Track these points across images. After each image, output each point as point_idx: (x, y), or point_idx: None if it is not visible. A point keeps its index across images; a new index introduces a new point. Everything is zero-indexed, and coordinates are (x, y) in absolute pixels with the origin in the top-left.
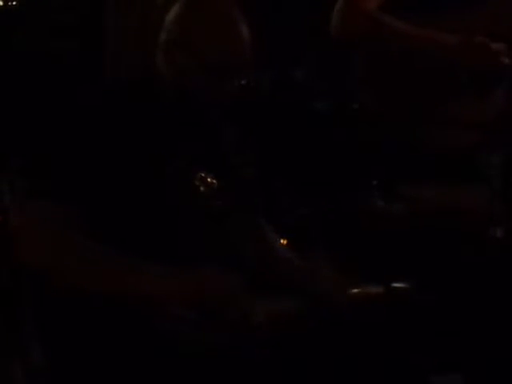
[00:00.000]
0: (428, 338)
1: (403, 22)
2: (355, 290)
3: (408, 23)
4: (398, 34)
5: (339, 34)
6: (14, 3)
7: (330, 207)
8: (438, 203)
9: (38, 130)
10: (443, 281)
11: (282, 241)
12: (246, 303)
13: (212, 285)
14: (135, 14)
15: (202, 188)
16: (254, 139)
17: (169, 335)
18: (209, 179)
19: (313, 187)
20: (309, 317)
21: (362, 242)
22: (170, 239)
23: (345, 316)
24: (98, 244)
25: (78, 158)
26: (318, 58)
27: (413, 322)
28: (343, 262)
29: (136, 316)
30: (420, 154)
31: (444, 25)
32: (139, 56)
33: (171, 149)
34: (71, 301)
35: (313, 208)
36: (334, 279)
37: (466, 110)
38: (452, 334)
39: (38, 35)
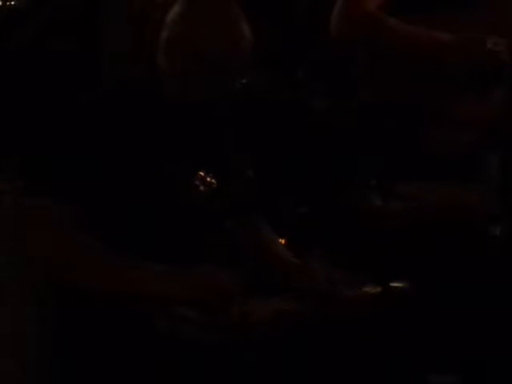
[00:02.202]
0: (426, 337)
1: (402, 22)
2: (353, 290)
3: (407, 23)
4: (397, 33)
5: (339, 33)
6: (13, 3)
7: (328, 206)
8: (437, 202)
9: (38, 129)
10: (442, 280)
11: (280, 240)
12: (245, 302)
13: (212, 284)
14: (134, 12)
15: (201, 187)
16: (253, 138)
17: (169, 334)
18: (208, 179)
19: (311, 186)
20: (308, 316)
21: (360, 242)
22: (170, 238)
23: (343, 315)
24: (97, 243)
25: (78, 158)
26: (318, 57)
27: (411, 321)
28: (341, 261)
29: (136, 315)
30: (418, 153)
31: (443, 24)
32: (139, 55)
33: (171, 148)
34: (70, 299)
35: (311, 207)
36: (333, 278)
37: (464, 108)
38: (451, 333)
39: (37, 34)
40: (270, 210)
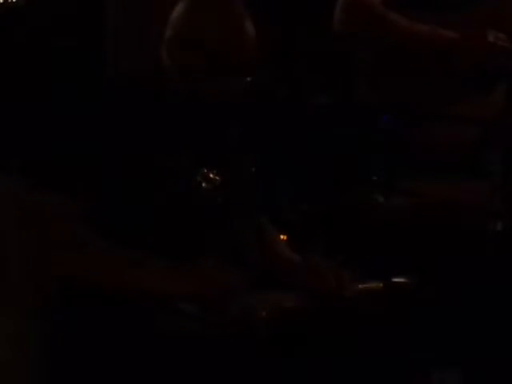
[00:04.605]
0: (428, 333)
1: (405, 18)
2: (355, 286)
3: (410, 18)
4: (400, 28)
5: (341, 28)
6: (14, 0)
7: (330, 203)
8: (438, 198)
9: (40, 125)
10: (443, 276)
11: (282, 236)
12: (247, 298)
13: (214, 280)
14: (136, 10)
15: (204, 184)
16: (255, 135)
17: (170, 330)
18: (211, 175)
19: (313, 183)
20: (309, 313)
21: (362, 238)
22: (172, 234)
23: (345, 310)
24: (99, 238)
25: (81, 154)
26: (319, 53)
27: (413, 317)
28: (343, 257)
29: (137, 310)
30: (420, 150)
31: (446, 21)
32: (142, 53)
33: (174, 145)
34: (70, 294)
35: (313, 204)
36: (335, 274)
37: (466, 105)
38: (452, 329)
39: (39, 32)
40: (271, 206)
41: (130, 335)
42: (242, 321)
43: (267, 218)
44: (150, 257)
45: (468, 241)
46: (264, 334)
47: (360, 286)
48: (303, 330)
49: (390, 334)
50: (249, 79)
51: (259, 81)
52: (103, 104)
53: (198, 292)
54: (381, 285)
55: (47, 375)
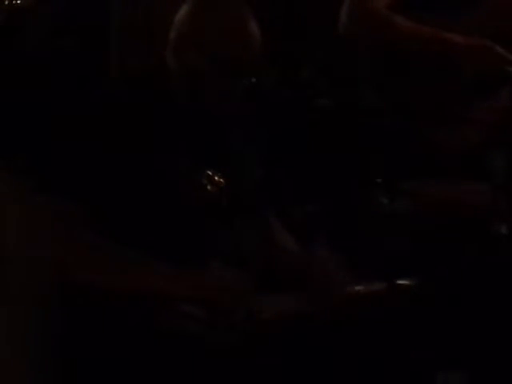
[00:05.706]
0: (432, 335)
1: (411, 21)
2: (359, 287)
3: (416, 22)
4: (406, 32)
5: (346, 32)
6: (19, 2)
7: (333, 205)
8: (442, 200)
9: (44, 128)
10: (447, 277)
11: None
12: (253, 300)
13: (219, 282)
14: (140, 10)
15: (209, 187)
16: (260, 137)
17: (176, 333)
18: (216, 178)
19: (316, 185)
20: (315, 315)
21: (366, 239)
22: (177, 237)
23: (349, 312)
24: (104, 241)
25: (85, 156)
26: (323, 56)
27: (416, 318)
28: (347, 259)
29: (140, 312)
30: (423, 152)
31: (451, 24)
32: (146, 54)
33: (179, 147)
34: (74, 298)
35: (316, 206)
36: (340, 274)
37: (469, 108)
38: (456, 330)
39: (42, 33)
40: (275, 208)
41: (133, 337)
42: (247, 324)
43: (275, 218)
44: (154, 259)
45: (471, 242)
46: (269, 338)
47: (363, 287)
48: (308, 332)
49: (394, 336)
50: (253, 80)
51: (262, 82)
52: (107, 105)
53: (203, 295)
54: (384, 286)
55: (47, 375)
